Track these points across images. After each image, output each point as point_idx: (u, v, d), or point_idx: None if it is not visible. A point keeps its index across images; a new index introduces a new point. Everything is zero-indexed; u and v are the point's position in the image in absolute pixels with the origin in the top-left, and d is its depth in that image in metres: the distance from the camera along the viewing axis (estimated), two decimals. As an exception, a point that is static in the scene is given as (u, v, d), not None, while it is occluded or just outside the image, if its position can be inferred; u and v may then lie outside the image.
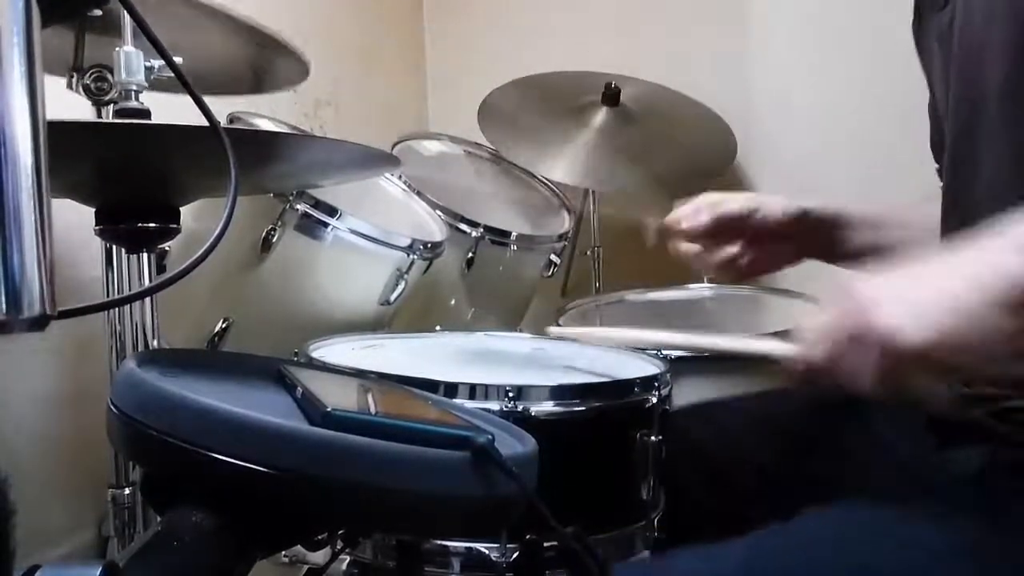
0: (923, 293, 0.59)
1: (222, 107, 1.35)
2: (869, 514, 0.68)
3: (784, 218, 0.95)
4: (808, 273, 1.06)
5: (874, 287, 0.62)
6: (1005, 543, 0.63)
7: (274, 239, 1.22)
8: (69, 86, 1.02)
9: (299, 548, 0.79)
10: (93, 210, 0.93)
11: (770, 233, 0.96)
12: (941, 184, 0.85)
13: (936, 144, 0.93)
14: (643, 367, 0.96)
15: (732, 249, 0.97)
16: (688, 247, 0.98)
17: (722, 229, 0.96)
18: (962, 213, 0.78)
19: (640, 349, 1.03)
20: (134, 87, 0.93)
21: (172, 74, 0.67)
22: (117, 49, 0.93)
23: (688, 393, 1.08)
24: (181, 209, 0.96)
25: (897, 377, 0.60)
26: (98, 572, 0.44)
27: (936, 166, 0.92)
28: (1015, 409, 0.71)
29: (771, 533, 0.67)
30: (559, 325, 1.36)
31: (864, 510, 0.69)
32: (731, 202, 0.96)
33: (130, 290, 0.97)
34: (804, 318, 0.68)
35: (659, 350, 1.03)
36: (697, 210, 0.96)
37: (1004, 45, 0.72)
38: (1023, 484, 0.68)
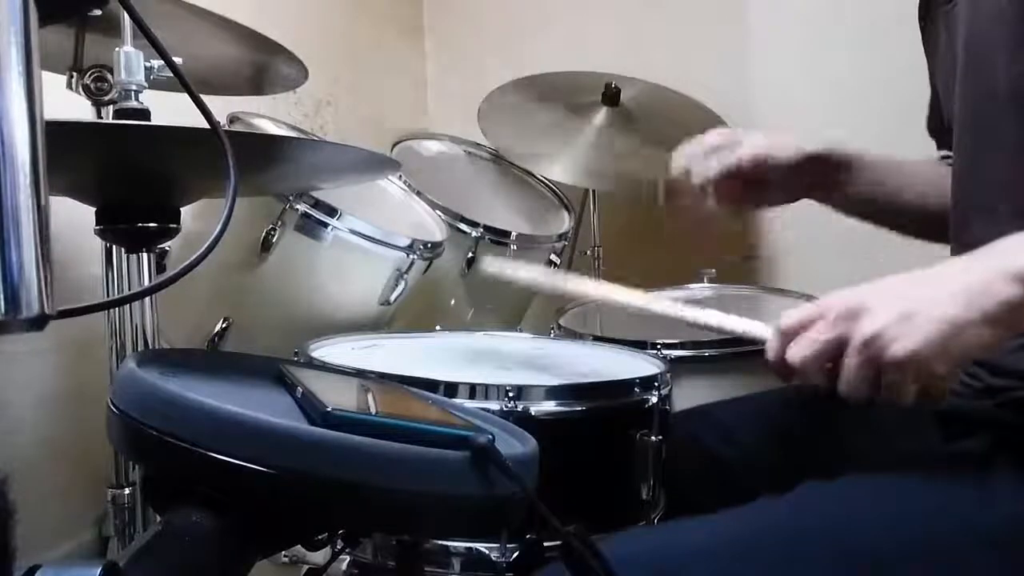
0: (914, 303, 0.62)
1: (222, 106, 1.35)
2: (866, 487, 0.70)
3: (796, 161, 0.92)
4: (809, 273, 1.06)
5: (865, 293, 0.64)
6: (1005, 520, 0.64)
7: (274, 239, 1.22)
8: (69, 86, 1.02)
9: (299, 548, 0.79)
10: (93, 210, 0.93)
11: (780, 176, 0.93)
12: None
13: (935, 129, 0.96)
14: (643, 367, 0.96)
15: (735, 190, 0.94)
16: (697, 208, 0.95)
17: (731, 176, 0.92)
18: (967, 207, 0.80)
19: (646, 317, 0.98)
20: (134, 87, 0.93)
21: (172, 75, 0.67)
22: (117, 49, 0.93)
23: (687, 393, 1.07)
24: (181, 209, 0.96)
25: (876, 381, 0.63)
26: (98, 572, 0.44)
27: (941, 153, 0.95)
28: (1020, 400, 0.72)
29: (767, 503, 0.69)
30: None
31: (862, 484, 0.70)
32: (739, 149, 0.92)
33: (130, 290, 0.97)
34: (788, 312, 0.67)
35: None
36: (705, 158, 0.93)
37: (1012, 47, 0.73)
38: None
